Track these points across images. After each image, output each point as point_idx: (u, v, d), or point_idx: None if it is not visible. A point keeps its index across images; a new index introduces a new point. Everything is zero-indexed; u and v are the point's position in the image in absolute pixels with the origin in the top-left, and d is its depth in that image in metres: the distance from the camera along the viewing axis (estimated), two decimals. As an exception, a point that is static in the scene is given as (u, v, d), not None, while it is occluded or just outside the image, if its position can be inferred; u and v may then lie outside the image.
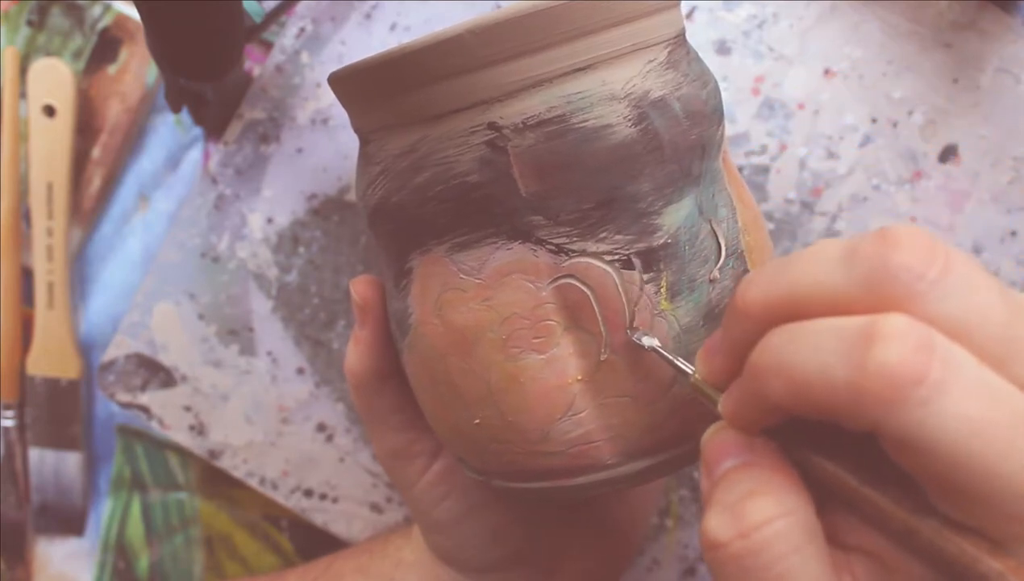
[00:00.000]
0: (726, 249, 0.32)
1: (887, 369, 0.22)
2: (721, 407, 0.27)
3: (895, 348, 0.22)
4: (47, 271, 0.52)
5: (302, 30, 0.49)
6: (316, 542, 0.52)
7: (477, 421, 0.32)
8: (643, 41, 0.31)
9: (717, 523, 0.25)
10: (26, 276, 0.53)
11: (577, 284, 0.31)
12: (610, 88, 0.30)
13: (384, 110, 0.32)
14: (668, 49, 0.32)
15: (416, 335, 0.34)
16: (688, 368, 0.29)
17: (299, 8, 0.49)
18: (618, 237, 0.30)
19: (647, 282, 0.31)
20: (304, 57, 0.49)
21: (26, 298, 0.53)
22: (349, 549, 0.49)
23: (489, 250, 0.31)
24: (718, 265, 0.32)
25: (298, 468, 0.51)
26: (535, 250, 0.31)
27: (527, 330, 0.31)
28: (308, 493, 0.51)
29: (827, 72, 0.48)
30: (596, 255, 0.31)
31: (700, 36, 0.48)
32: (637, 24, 0.31)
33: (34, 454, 0.53)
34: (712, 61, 0.48)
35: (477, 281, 0.31)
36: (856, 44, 0.48)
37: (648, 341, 0.30)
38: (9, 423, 0.53)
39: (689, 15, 0.48)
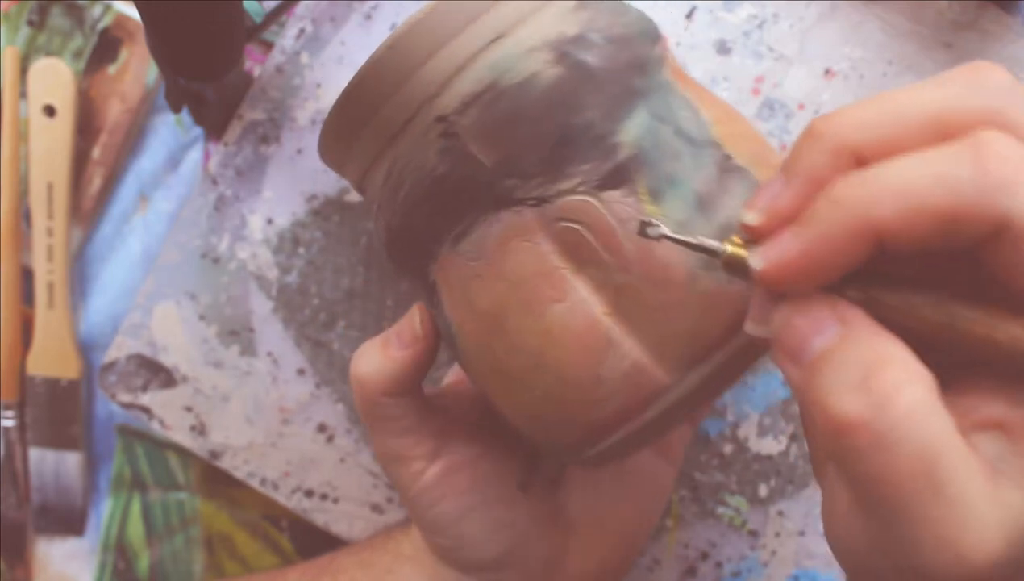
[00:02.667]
0: (695, 141, 0.32)
1: (1007, 160, 0.23)
2: (768, 257, 0.25)
3: (1005, 145, 0.24)
4: (47, 271, 0.52)
5: (302, 31, 0.49)
6: (316, 542, 0.52)
7: (538, 393, 0.33)
8: None
9: (847, 404, 0.24)
10: (26, 276, 0.53)
11: (567, 225, 0.31)
12: (527, 43, 0.32)
13: (360, 149, 0.35)
14: None
15: (463, 341, 0.35)
16: (716, 245, 0.27)
17: (299, 9, 0.49)
18: (585, 167, 0.31)
19: (626, 196, 0.31)
20: (304, 58, 0.49)
21: (26, 298, 0.53)
22: (351, 545, 0.49)
23: (483, 229, 0.32)
24: (693, 157, 0.32)
25: (299, 469, 0.51)
26: (519, 211, 0.32)
27: (542, 285, 0.32)
28: (309, 494, 0.51)
29: (827, 72, 0.48)
30: (571, 191, 0.31)
31: (700, 36, 0.48)
32: None
33: (34, 454, 0.53)
34: (712, 61, 0.48)
35: (484, 261, 0.32)
36: (856, 44, 0.48)
37: (655, 231, 0.29)
38: (9, 423, 0.53)
39: (689, 15, 0.48)
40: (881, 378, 0.24)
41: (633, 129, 0.31)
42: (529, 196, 0.32)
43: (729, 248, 0.26)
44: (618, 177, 0.31)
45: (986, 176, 0.23)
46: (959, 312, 0.25)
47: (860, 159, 0.25)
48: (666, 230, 0.28)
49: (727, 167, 0.32)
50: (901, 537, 0.24)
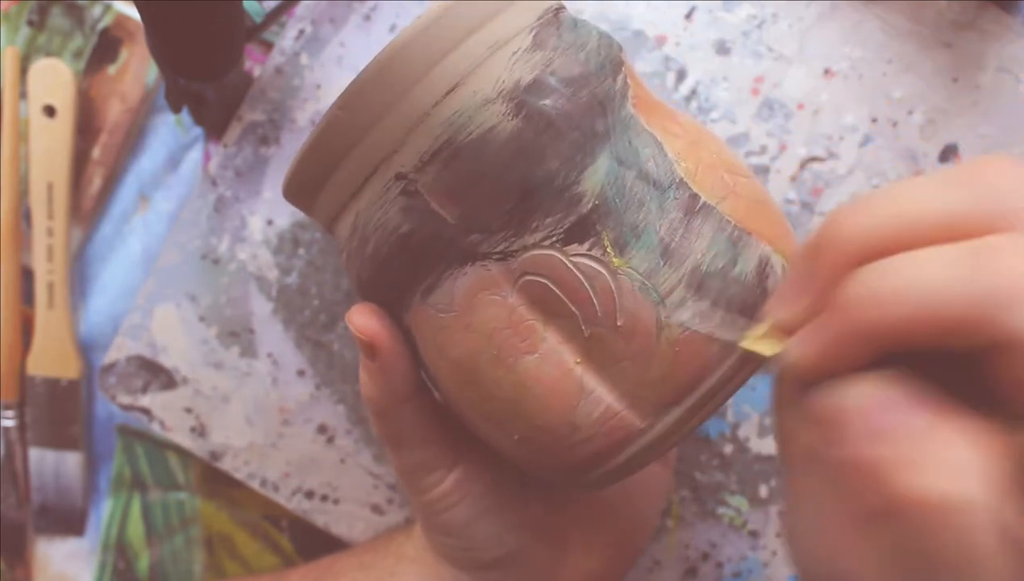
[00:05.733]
0: (660, 184, 0.32)
1: (1011, 274, 0.23)
2: (800, 354, 0.27)
3: (1012, 256, 0.23)
4: (47, 271, 0.52)
5: (301, 32, 0.49)
6: (316, 542, 0.52)
7: (516, 437, 0.33)
8: (501, 39, 0.32)
9: (928, 481, 0.24)
10: (26, 276, 0.53)
11: (534, 278, 0.31)
12: (482, 94, 0.31)
13: (324, 202, 0.35)
14: (533, 33, 0.32)
15: (439, 385, 0.35)
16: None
17: (298, 9, 0.49)
18: (548, 220, 0.31)
19: (591, 248, 0.31)
20: (304, 59, 0.49)
21: (26, 298, 0.53)
22: (353, 548, 0.49)
23: (450, 283, 0.32)
24: (657, 203, 0.32)
25: (299, 470, 0.51)
26: (485, 265, 0.32)
27: (512, 338, 0.32)
28: (309, 495, 0.51)
29: (827, 72, 0.48)
30: (537, 245, 0.31)
31: (700, 36, 0.48)
32: (487, 28, 0.32)
33: (34, 454, 0.53)
34: (712, 61, 0.48)
35: (454, 314, 0.33)
36: (856, 44, 0.48)
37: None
38: (9, 423, 0.53)
39: (688, 15, 0.48)
40: (953, 456, 0.24)
41: (596, 177, 0.31)
42: (494, 251, 0.32)
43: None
44: (582, 229, 0.31)
45: (989, 289, 0.23)
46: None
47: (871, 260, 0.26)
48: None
49: (693, 208, 0.32)
50: None
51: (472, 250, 0.32)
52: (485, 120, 0.31)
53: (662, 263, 0.31)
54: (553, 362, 0.32)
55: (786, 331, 0.28)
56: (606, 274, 0.31)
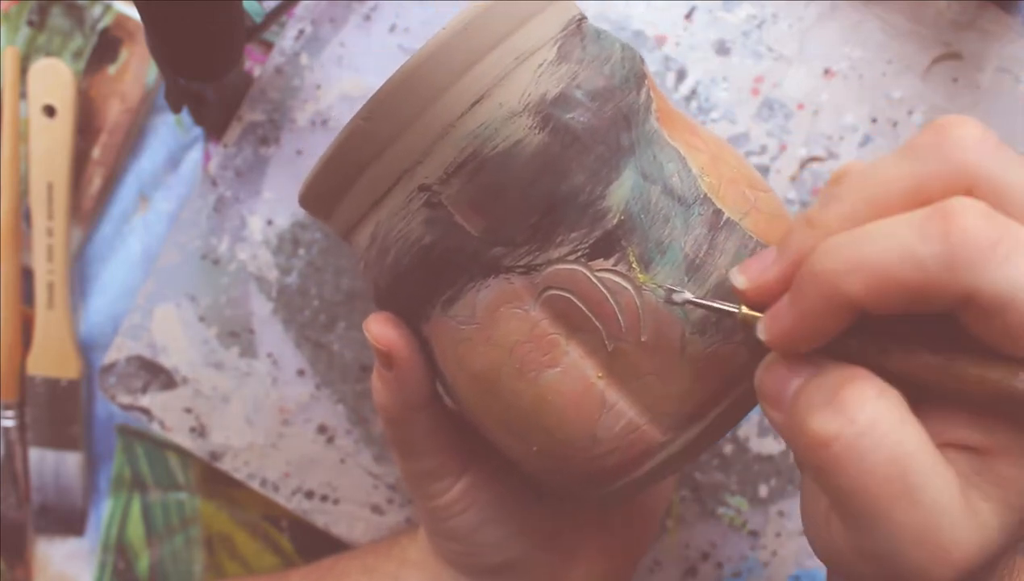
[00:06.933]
0: (685, 200, 0.32)
1: (970, 234, 0.24)
2: (769, 327, 0.27)
3: (971, 217, 0.24)
4: (47, 271, 0.52)
5: (301, 32, 0.49)
6: (317, 542, 0.52)
7: (535, 448, 0.33)
8: (527, 50, 0.32)
9: (820, 422, 0.25)
10: (26, 276, 0.53)
11: (557, 292, 0.31)
12: (508, 107, 0.31)
13: (342, 211, 0.34)
14: (558, 44, 0.32)
15: (457, 394, 0.35)
16: (732, 308, 0.29)
17: (298, 10, 0.49)
18: (573, 235, 0.31)
19: (616, 264, 0.31)
20: (304, 59, 0.49)
21: (26, 298, 0.53)
22: (355, 549, 0.49)
23: (472, 295, 0.32)
24: (682, 219, 0.32)
25: (299, 470, 0.51)
26: (508, 278, 0.32)
27: (534, 352, 0.32)
28: (309, 495, 0.51)
29: (827, 72, 0.48)
30: (561, 259, 0.31)
31: (700, 36, 0.48)
32: (513, 38, 0.32)
33: (34, 454, 0.53)
34: (712, 61, 0.48)
35: (475, 326, 0.32)
36: (856, 44, 0.48)
37: (679, 297, 0.30)
38: (9, 423, 0.53)
39: (688, 15, 0.48)
40: (847, 393, 0.26)
41: (621, 192, 0.31)
42: (518, 264, 0.31)
43: (744, 310, 0.29)
44: (608, 245, 0.31)
45: (950, 252, 0.24)
46: (954, 358, 0.26)
47: None
48: (689, 296, 0.30)
49: (717, 224, 0.32)
50: (880, 545, 0.25)
51: (495, 263, 0.32)
52: (511, 133, 0.31)
53: (687, 279, 0.31)
54: (575, 376, 0.32)
55: (764, 298, 0.28)
56: (631, 290, 0.31)
